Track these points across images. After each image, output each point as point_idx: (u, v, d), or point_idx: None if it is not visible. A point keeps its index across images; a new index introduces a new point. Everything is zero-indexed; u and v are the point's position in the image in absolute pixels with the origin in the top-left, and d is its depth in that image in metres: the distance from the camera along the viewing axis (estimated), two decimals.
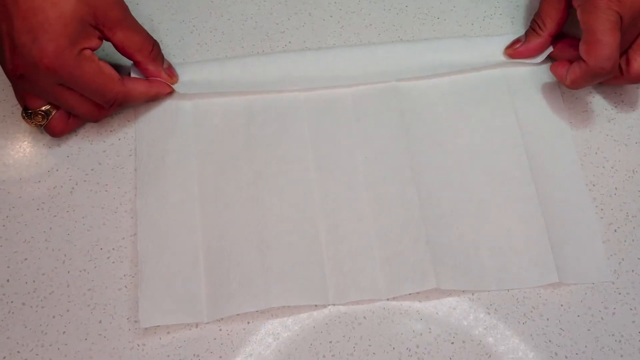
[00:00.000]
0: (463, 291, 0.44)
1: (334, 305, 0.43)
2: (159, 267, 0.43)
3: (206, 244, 0.44)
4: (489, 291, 0.44)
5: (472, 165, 0.47)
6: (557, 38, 0.49)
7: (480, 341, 0.42)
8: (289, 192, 0.46)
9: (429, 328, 0.43)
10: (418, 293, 0.43)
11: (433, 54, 0.50)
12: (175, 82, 0.49)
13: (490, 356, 0.42)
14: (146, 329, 0.42)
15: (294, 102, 0.49)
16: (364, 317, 0.43)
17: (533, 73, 0.50)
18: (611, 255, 0.45)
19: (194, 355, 0.42)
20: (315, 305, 0.43)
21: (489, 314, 0.43)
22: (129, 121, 0.49)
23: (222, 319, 0.42)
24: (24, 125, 0.49)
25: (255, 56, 0.51)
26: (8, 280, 0.44)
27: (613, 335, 0.42)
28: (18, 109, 0.49)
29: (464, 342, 0.42)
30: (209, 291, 0.43)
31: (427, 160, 0.47)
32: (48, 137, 0.48)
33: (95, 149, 0.48)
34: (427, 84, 0.50)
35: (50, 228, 0.45)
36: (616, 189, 0.47)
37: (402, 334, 0.42)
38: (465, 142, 0.48)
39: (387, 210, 0.45)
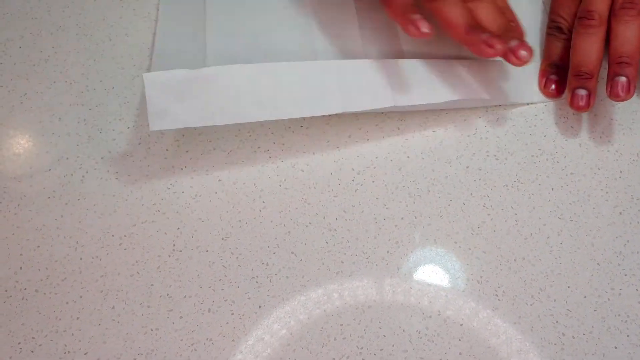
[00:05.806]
0: (471, 274, 0.44)
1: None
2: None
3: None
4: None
5: None
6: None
7: (489, 322, 0.43)
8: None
9: (438, 311, 0.43)
10: (425, 278, 0.44)
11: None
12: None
13: (499, 337, 0.42)
14: (159, 313, 0.43)
15: None
16: (374, 301, 0.43)
17: None
18: (616, 237, 0.45)
19: (207, 339, 0.42)
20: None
21: (496, 296, 0.44)
22: (137, 109, 0.49)
23: (233, 302, 0.43)
24: (32, 114, 0.49)
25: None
26: (21, 268, 0.44)
27: (619, 315, 0.43)
28: (27, 99, 0.49)
29: (472, 324, 0.43)
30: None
31: None
32: (57, 125, 0.48)
33: (104, 138, 0.48)
34: None
35: (62, 216, 0.46)
36: (621, 172, 0.47)
37: (411, 316, 0.43)
38: None
39: None
